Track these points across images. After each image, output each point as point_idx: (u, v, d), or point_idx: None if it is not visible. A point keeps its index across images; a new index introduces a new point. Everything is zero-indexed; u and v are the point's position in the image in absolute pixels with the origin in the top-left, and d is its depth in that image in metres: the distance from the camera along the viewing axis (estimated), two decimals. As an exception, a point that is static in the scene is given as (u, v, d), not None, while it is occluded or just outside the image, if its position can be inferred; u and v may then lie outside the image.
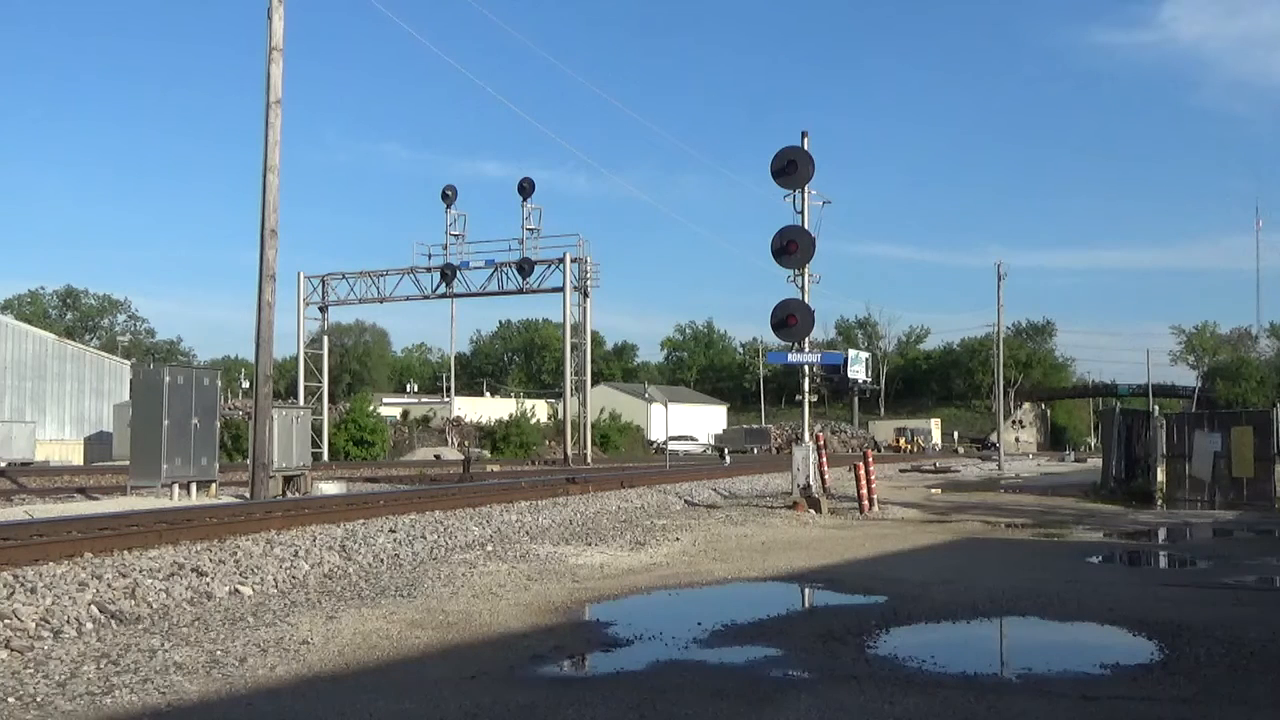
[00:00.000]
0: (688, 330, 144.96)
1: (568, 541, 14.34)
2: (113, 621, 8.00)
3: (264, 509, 16.21)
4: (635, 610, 9.17)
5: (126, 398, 40.72)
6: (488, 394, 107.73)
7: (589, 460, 52.13)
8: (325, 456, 50.91)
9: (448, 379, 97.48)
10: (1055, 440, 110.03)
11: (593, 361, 64.83)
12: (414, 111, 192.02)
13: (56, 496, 21.67)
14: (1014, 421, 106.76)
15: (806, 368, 21.61)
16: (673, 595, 10.10)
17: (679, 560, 12.56)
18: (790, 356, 21.80)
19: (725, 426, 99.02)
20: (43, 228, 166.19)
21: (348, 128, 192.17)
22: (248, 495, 20.32)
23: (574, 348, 54.28)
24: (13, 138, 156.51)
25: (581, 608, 9.21)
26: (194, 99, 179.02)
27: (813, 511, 19.76)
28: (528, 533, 15.34)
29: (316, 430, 49.03)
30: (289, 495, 22.86)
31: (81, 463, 46.57)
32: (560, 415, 61.52)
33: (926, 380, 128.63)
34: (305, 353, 57.88)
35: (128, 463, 22.85)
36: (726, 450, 61.48)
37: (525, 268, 51.74)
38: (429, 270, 53.60)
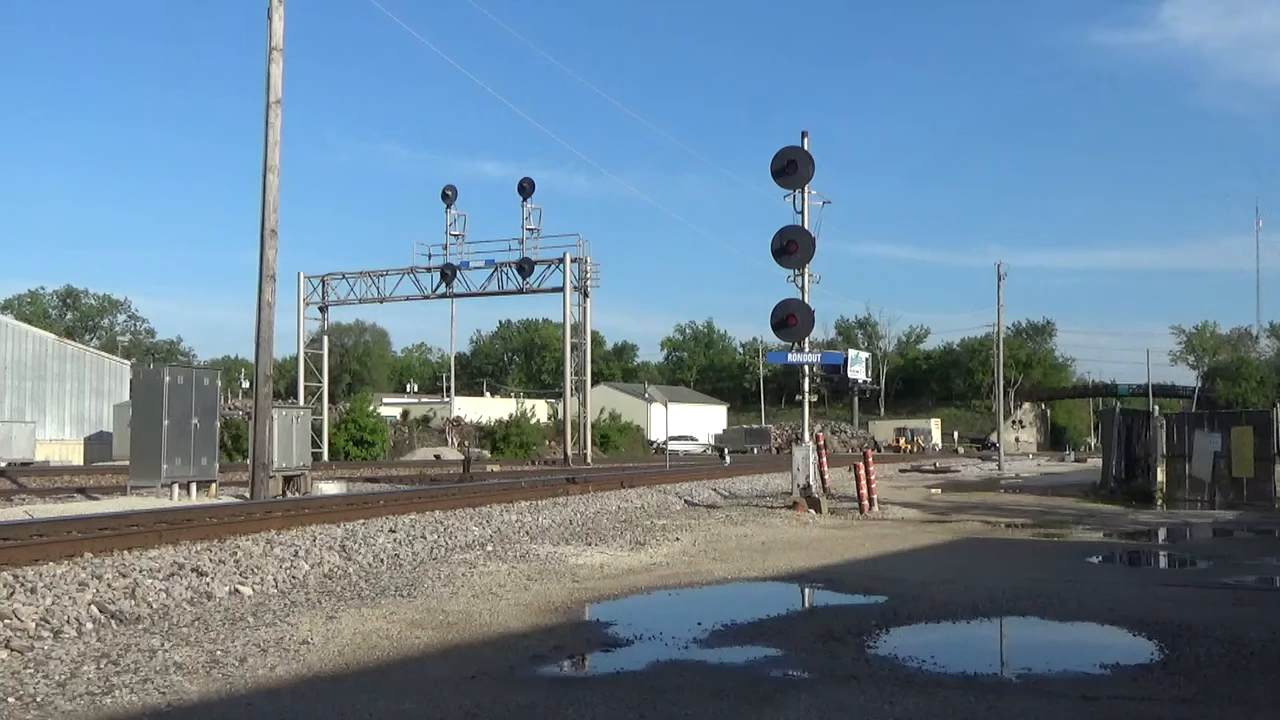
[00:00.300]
0: (688, 330, 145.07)
1: (568, 541, 14.34)
2: (113, 621, 8.00)
3: (264, 509, 16.21)
4: (635, 610, 9.17)
5: (126, 398, 40.74)
6: (488, 394, 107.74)
7: (589, 460, 52.14)
8: (325, 456, 50.91)
9: (448, 379, 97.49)
10: (1055, 440, 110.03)
11: (593, 361, 64.83)
12: (414, 111, 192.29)
13: (56, 496, 21.67)
14: (1014, 421, 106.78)
15: (806, 368, 21.61)
16: (673, 595, 10.10)
17: (679, 560, 12.56)
18: (790, 356, 21.80)
19: (725, 426, 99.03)
20: (43, 228, 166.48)
21: (348, 128, 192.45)
22: (248, 495, 20.31)
23: (574, 348, 54.28)
24: (13, 138, 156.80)
25: (581, 608, 9.21)
26: (194, 99, 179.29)
27: (813, 511, 19.76)
28: (528, 533, 15.34)
29: (316, 430, 49.03)
30: (289, 495, 22.86)
31: (81, 463, 46.58)
32: (560, 415, 61.52)
33: (926, 380, 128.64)
34: (305, 353, 57.88)
35: (128, 463, 22.85)
36: (726, 450, 61.48)
37: (525, 268, 51.75)
38: (429, 270, 53.62)
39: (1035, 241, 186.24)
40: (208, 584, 9.40)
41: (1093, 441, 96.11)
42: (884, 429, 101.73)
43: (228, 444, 44.93)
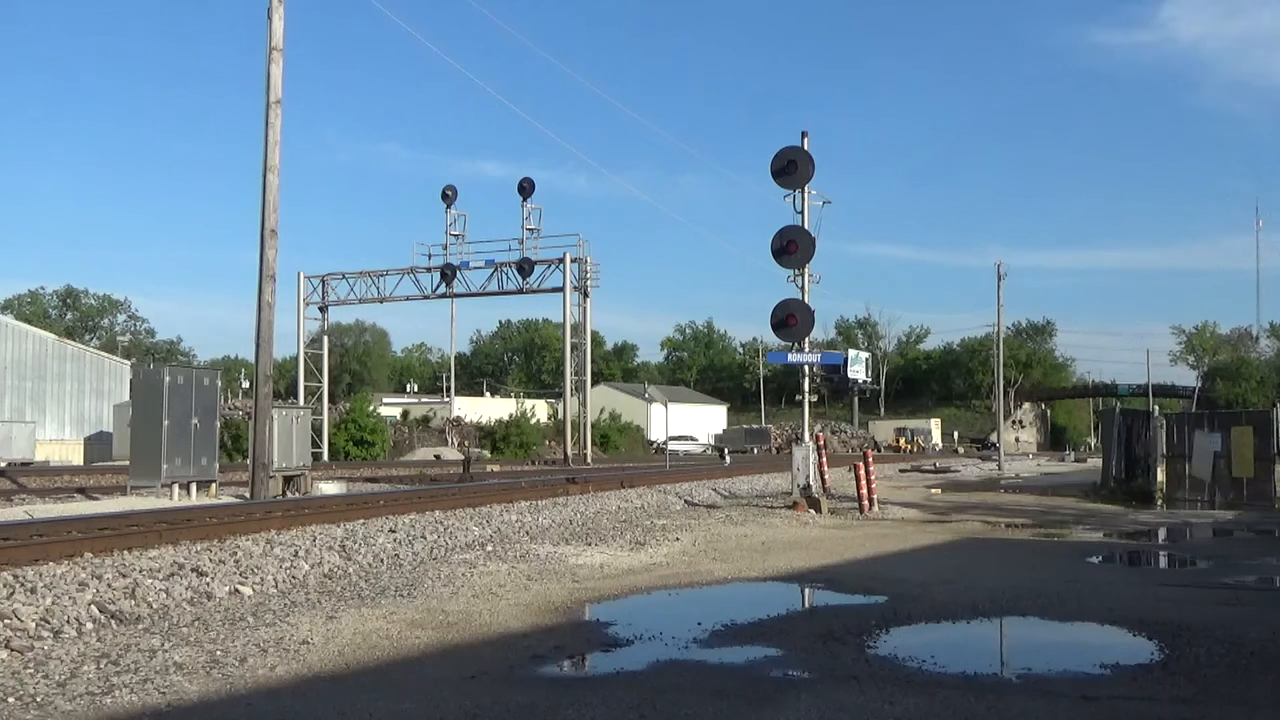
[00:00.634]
0: (688, 330, 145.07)
1: (568, 541, 14.34)
2: (113, 621, 8.00)
3: (264, 509, 16.21)
4: (635, 610, 9.17)
5: (126, 398, 40.73)
6: (488, 394, 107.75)
7: (589, 460, 52.14)
8: (325, 456, 50.92)
9: (448, 379, 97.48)
10: (1055, 440, 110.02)
11: (593, 361, 64.83)
12: (414, 111, 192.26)
13: (56, 496, 21.67)
14: (1014, 421, 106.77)
15: (806, 368, 21.61)
16: (673, 595, 10.10)
17: (679, 560, 12.56)
18: (790, 356, 21.80)
19: (725, 426, 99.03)
20: (43, 228, 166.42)
21: (348, 128, 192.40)
22: (248, 495, 20.32)
23: (574, 348, 54.28)
24: (13, 138, 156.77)
25: (581, 608, 9.21)
26: (194, 99, 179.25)
27: (813, 511, 19.76)
28: (528, 533, 15.34)
29: (316, 430, 49.04)
30: (289, 495, 22.86)
31: (81, 463, 46.58)
32: (560, 415, 61.53)
33: (926, 380, 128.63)
34: (305, 353, 57.89)
35: (128, 463, 22.85)
36: (726, 450, 61.49)
37: (525, 268, 51.75)
38: (429, 270, 53.63)
39: (1035, 241, 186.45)
40: (208, 584, 9.40)
41: (1093, 441, 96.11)
42: (884, 429, 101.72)
43: (228, 444, 44.92)
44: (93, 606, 8.14)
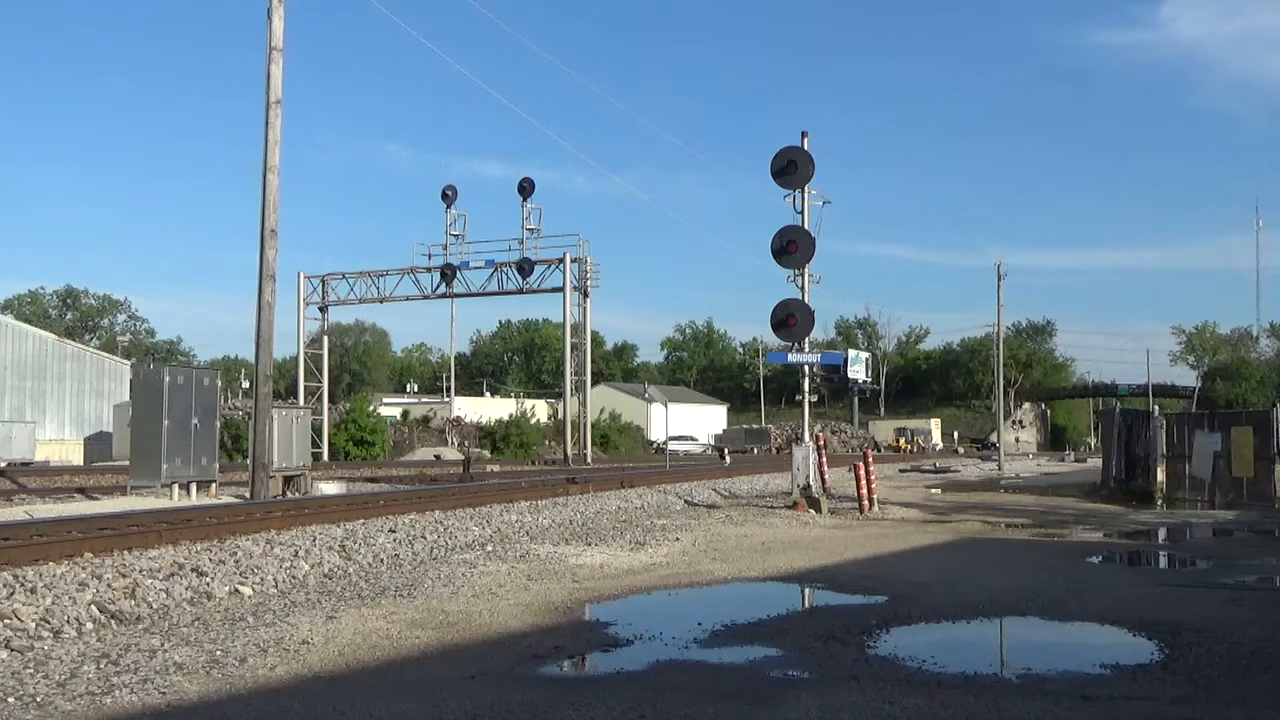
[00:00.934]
0: (688, 330, 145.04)
1: (568, 541, 14.34)
2: (113, 621, 8.00)
3: (264, 509, 16.20)
4: (635, 610, 9.17)
5: (126, 398, 40.71)
6: (488, 394, 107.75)
7: (589, 460, 52.14)
8: (325, 456, 50.91)
9: (448, 379, 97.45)
10: (1055, 440, 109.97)
11: (593, 361, 64.83)
12: (414, 111, 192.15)
13: (56, 496, 21.67)
14: (1014, 421, 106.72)
15: (806, 368, 21.61)
16: (673, 595, 10.10)
17: (679, 560, 12.56)
18: (790, 356, 21.81)
19: (725, 426, 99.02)
20: (43, 228, 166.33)
21: (348, 128, 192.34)
22: (248, 495, 20.32)
23: (574, 348, 54.29)
24: (13, 137, 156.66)
25: (581, 608, 9.22)
26: (194, 99, 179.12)
27: (813, 511, 19.76)
28: (528, 533, 15.34)
29: (316, 430, 49.04)
30: (289, 495, 22.86)
31: (81, 463, 46.57)
32: (560, 415, 61.53)
33: (926, 380, 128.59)
34: (305, 353, 57.90)
35: (128, 463, 22.85)
36: (726, 450, 61.46)
37: (525, 268, 51.75)
38: (429, 270, 53.64)
39: (1035, 241, 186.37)
40: (208, 584, 9.40)
41: (1093, 441, 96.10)
42: (884, 429, 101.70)
43: (228, 444, 44.91)
44: (93, 606, 8.14)
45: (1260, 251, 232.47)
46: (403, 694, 6.05)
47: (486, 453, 58.73)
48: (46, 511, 16.61)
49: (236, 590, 9.47)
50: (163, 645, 7.21)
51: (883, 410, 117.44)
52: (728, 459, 52.48)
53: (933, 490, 29.24)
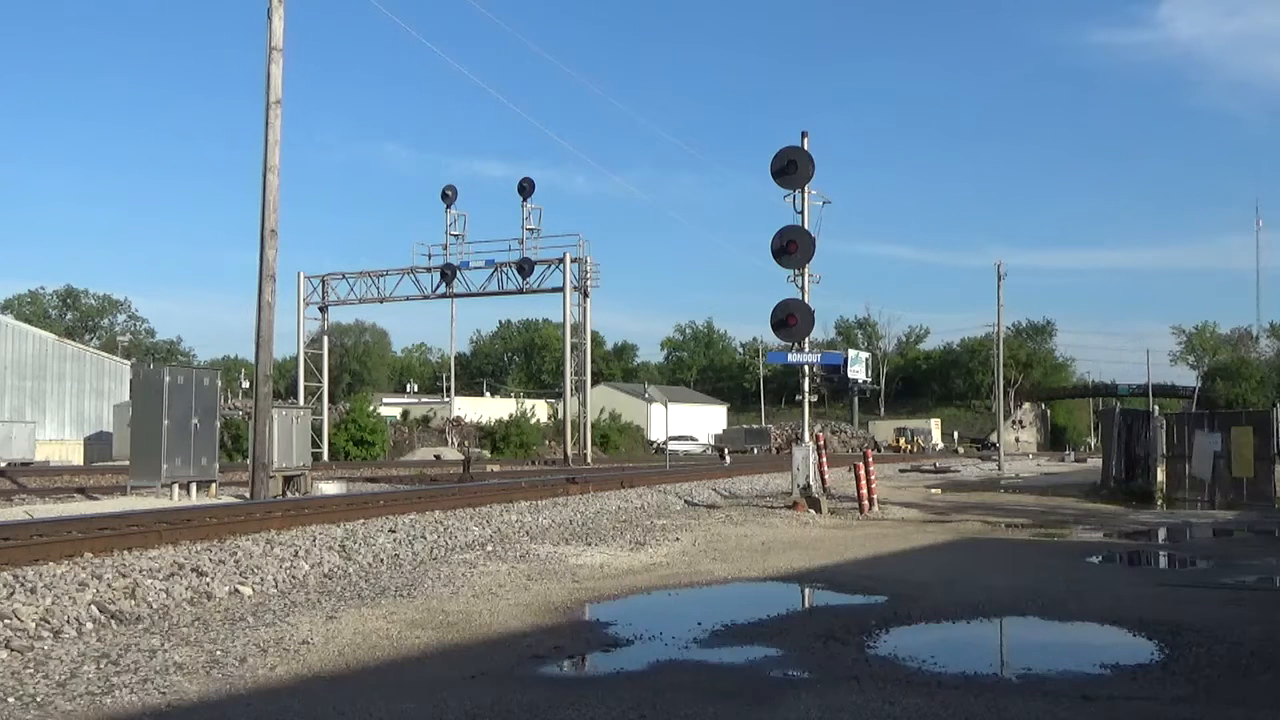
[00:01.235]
0: (688, 330, 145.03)
1: (568, 541, 14.34)
2: (113, 621, 8.00)
3: (264, 509, 16.20)
4: (635, 610, 9.17)
5: (126, 398, 40.69)
6: (488, 394, 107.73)
7: (589, 460, 52.14)
8: (325, 456, 50.91)
9: (448, 379, 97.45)
10: (1055, 440, 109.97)
11: (593, 361, 64.83)
12: (414, 111, 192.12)
13: (56, 496, 21.68)
14: (1014, 421, 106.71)
15: (806, 368, 21.61)
16: (673, 595, 10.10)
17: (679, 560, 12.56)
18: (790, 356, 21.81)
19: (725, 426, 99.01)
20: (43, 228, 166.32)
21: (348, 128, 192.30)
22: (248, 495, 20.32)
23: (574, 348, 54.29)
24: (13, 137, 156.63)
25: (581, 608, 9.22)
26: (194, 99, 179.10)
27: (813, 511, 19.76)
28: (528, 533, 15.34)
29: (316, 430, 49.03)
30: (289, 495, 22.86)
31: (81, 463, 46.57)
32: (560, 415, 61.53)
33: (926, 380, 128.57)
34: (305, 353, 57.90)
35: (128, 463, 22.84)
36: (726, 450, 61.46)
37: (525, 268, 51.75)
38: (429, 270, 53.64)
39: (1035, 241, 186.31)
40: (208, 584, 9.40)
41: (1093, 441, 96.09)
42: (884, 429, 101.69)
43: (228, 444, 44.90)
44: (93, 606, 8.14)
45: (1260, 251, 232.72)
46: (403, 694, 6.05)
47: (486, 453, 58.72)
48: (46, 511, 16.61)
49: (236, 590, 9.47)
50: (163, 645, 7.21)
51: (883, 410, 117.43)
52: (728, 459, 52.48)
53: (933, 490, 29.24)
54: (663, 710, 5.68)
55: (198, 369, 25.42)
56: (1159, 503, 23.53)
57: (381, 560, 11.81)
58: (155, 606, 8.58)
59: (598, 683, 6.52)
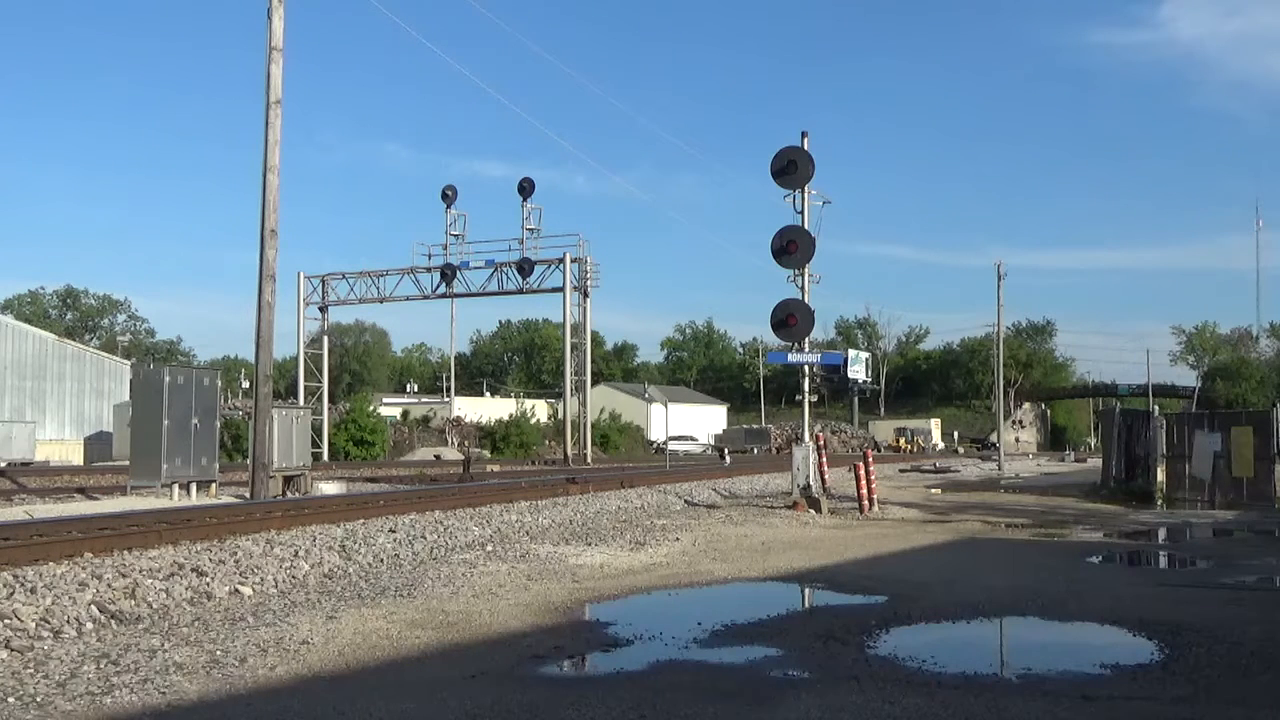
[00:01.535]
0: (688, 330, 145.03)
1: (568, 541, 14.34)
2: (113, 621, 8.00)
3: (264, 509, 16.20)
4: (635, 610, 9.17)
5: (126, 398, 40.69)
6: (488, 394, 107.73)
7: (589, 460, 52.13)
8: (325, 456, 50.90)
9: (448, 379, 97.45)
10: (1055, 440, 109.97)
11: (593, 361, 64.82)
12: (414, 111, 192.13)
13: (56, 496, 21.68)
14: (1014, 421, 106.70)
15: (806, 368, 21.61)
16: (673, 595, 10.10)
17: (679, 560, 12.56)
18: (790, 356, 21.81)
19: (725, 426, 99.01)
20: (43, 228, 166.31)
21: (348, 128, 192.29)
22: (248, 495, 20.32)
23: (574, 348, 54.28)
24: (13, 137, 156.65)
25: (581, 608, 9.22)
26: (194, 99, 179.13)
27: (813, 511, 19.76)
28: (528, 533, 15.35)
29: (316, 430, 49.03)
30: (289, 495, 22.86)
31: (81, 463, 46.56)
32: (560, 415, 61.53)
33: (926, 380, 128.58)
34: (305, 353, 57.90)
35: (128, 463, 22.84)
36: (726, 450, 61.46)
37: (525, 268, 51.75)
38: (429, 270, 53.63)
39: (1035, 241, 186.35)
40: (208, 584, 9.40)
41: (1093, 441, 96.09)
42: (884, 429, 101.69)
43: (228, 444, 44.90)
44: (93, 606, 8.14)
45: (1260, 251, 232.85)
46: (403, 694, 6.05)
47: (486, 453, 58.72)
48: (46, 511, 16.61)
49: (236, 590, 9.47)
50: (163, 645, 7.21)
51: (883, 410, 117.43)
52: (728, 459, 52.48)
53: (933, 490, 29.24)
54: (663, 710, 5.68)
55: (198, 369, 25.42)
56: (1159, 503, 23.52)
57: (381, 560, 11.81)
58: (155, 606, 8.58)
59: (598, 683, 6.52)
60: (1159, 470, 24.37)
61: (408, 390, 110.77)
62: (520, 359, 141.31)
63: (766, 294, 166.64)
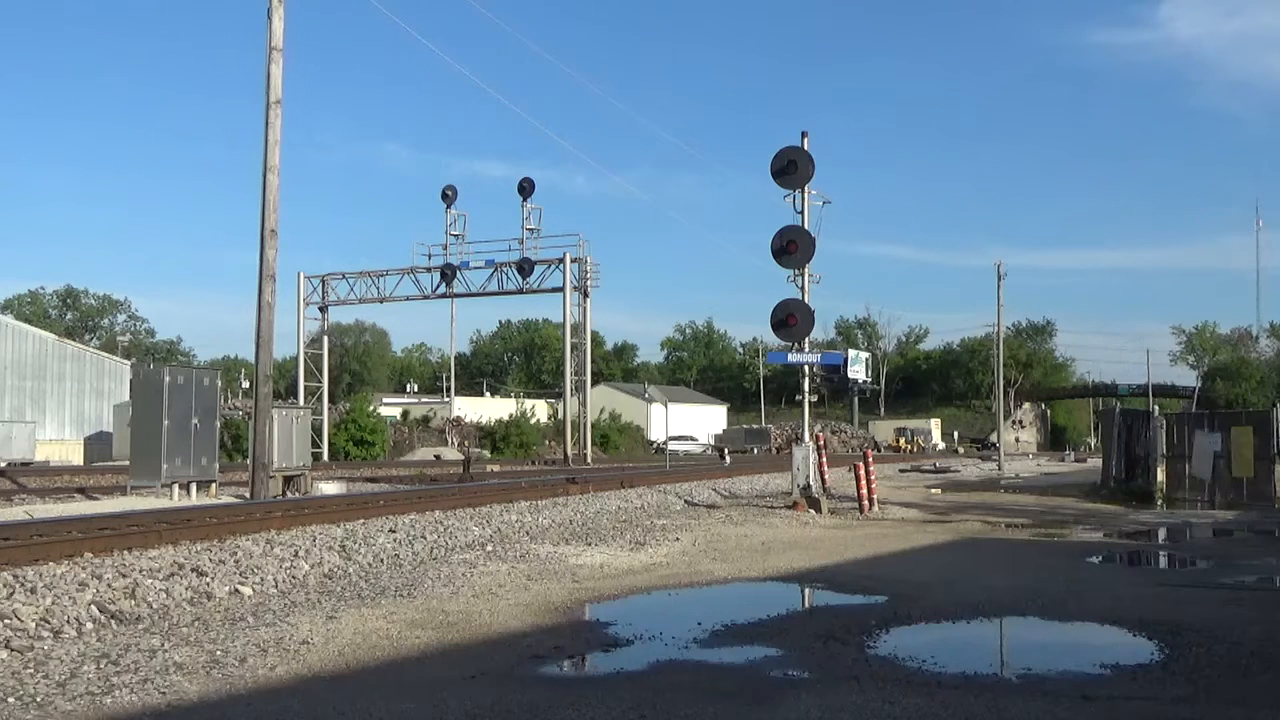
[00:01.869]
0: (688, 330, 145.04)
1: (568, 541, 14.34)
2: (113, 621, 8.00)
3: (264, 509, 16.20)
4: (635, 610, 9.17)
5: (126, 398, 40.68)
6: (488, 394, 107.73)
7: (589, 460, 52.13)
8: (325, 456, 50.90)
9: (448, 379, 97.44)
10: (1055, 440, 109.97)
11: (593, 361, 64.82)
12: (414, 111, 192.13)
13: (56, 496, 21.67)
14: (1014, 421, 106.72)
15: (806, 368, 21.61)
16: (673, 595, 10.10)
17: (679, 560, 12.56)
18: (790, 356, 21.81)
19: (725, 426, 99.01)
20: (43, 228, 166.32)
21: (348, 128, 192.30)
22: (248, 495, 20.32)
23: (574, 348, 54.28)
24: (13, 137, 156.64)
25: (581, 608, 9.22)
26: (194, 99, 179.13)
27: (813, 511, 19.76)
28: (528, 533, 15.34)
29: (316, 430, 49.03)
30: (289, 495, 22.86)
31: (81, 463, 46.56)
32: (560, 415, 61.53)
33: (926, 380, 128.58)
34: (305, 353, 57.90)
35: (128, 463, 22.84)
36: (726, 450, 61.46)
37: (525, 268, 51.76)
38: (429, 270, 53.64)
39: (1035, 241, 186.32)
40: (208, 584, 9.40)
41: (1093, 441, 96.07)
42: (884, 429, 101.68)
43: (228, 444, 44.90)
44: (93, 606, 8.14)
45: (1260, 251, 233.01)
46: (403, 694, 6.05)
47: (486, 453, 58.72)
48: (46, 511, 16.61)
49: (236, 590, 9.47)
50: (163, 645, 7.21)
51: (883, 410, 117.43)
52: (728, 459, 52.48)
53: (933, 490, 29.24)
54: (663, 710, 5.68)
55: (198, 369, 25.43)
56: (1159, 503, 23.52)
57: (381, 560, 11.81)
58: (155, 606, 8.58)
59: (598, 683, 6.52)
60: (1159, 470, 24.37)
61: (408, 390, 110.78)
62: (520, 359, 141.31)
63: (766, 294, 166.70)
